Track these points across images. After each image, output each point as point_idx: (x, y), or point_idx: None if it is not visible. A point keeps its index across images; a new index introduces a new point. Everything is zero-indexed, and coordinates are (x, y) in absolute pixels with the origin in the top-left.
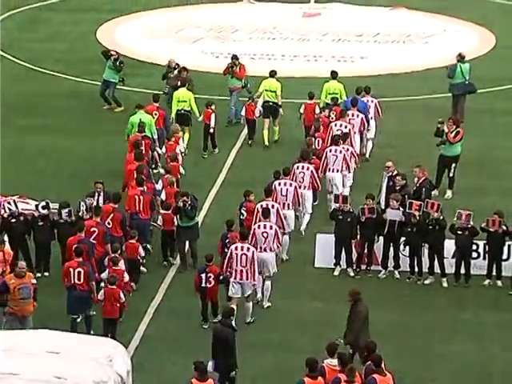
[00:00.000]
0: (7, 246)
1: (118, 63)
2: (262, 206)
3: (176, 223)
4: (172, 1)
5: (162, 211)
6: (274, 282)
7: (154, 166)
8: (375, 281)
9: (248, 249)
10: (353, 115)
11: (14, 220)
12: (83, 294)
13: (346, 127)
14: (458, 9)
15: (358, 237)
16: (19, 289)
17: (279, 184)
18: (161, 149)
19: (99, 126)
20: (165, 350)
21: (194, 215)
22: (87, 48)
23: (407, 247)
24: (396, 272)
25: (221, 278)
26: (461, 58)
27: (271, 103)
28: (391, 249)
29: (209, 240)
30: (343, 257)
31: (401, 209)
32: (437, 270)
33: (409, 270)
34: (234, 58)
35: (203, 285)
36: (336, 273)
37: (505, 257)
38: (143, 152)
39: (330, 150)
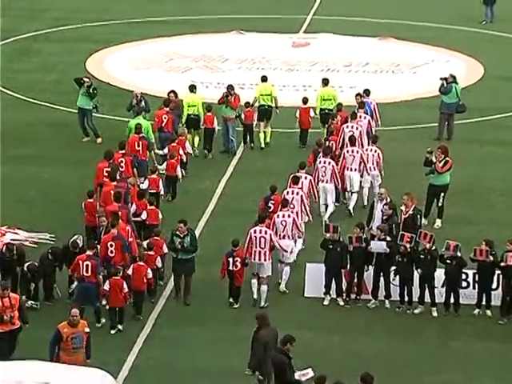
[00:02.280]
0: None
1: (91, 90)
2: (284, 195)
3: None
4: (162, 31)
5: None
6: (268, 305)
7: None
8: (365, 310)
9: (266, 232)
10: (360, 117)
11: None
12: (91, 286)
13: (357, 129)
14: (446, 39)
15: (348, 266)
16: (72, 338)
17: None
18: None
19: (88, 156)
20: (154, 380)
21: (195, 248)
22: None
23: (397, 276)
24: (386, 301)
25: (246, 261)
26: (453, 79)
27: (266, 106)
28: (381, 279)
29: (199, 269)
30: (333, 286)
31: (387, 238)
32: (427, 299)
33: (399, 299)
34: (230, 87)
35: (230, 268)
36: (326, 302)
37: (494, 286)
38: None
39: (348, 151)
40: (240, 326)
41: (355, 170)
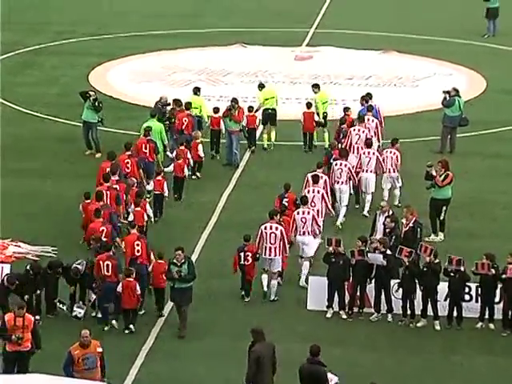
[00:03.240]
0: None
1: (96, 103)
2: (304, 193)
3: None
4: (164, 45)
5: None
6: (270, 318)
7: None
8: (367, 323)
9: (276, 228)
10: (368, 120)
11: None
12: (112, 286)
13: (363, 132)
14: (449, 52)
15: (350, 279)
16: (84, 359)
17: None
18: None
19: (90, 170)
20: None
21: (194, 276)
22: (79, 91)
23: (400, 289)
24: (389, 315)
25: (257, 256)
26: (456, 93)
27: (270, 110)
28: (382, 291)
29: (201, 282)
30: (336, 299)
31: (388, 252)
32: (430, 312)
33: (401, 312)
34: (234, 101)
35: (242, 262)
36: (329, 315)
37: (497, 299)
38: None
39: (364, 153)
40: (241, 339)
41: (371, 171)
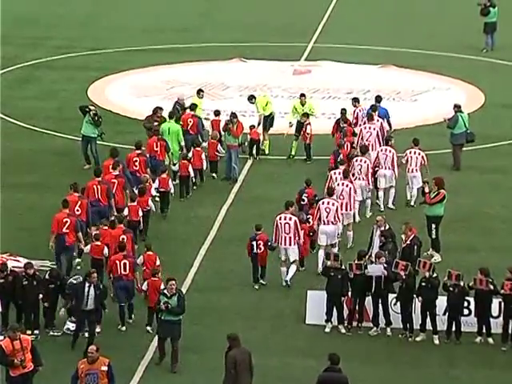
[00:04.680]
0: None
1: (96, 118)
2: (329, 187)
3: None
4: (163, 59)
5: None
6: (269, 332)
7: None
8: (366, 337)
9: (290, 218)
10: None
11: (1, 280)
12: (129, 284)
13: (374, 129)
14: (447, 66)
15: (349, 293)
16: (86, 375)
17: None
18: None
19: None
20: None
21: (183, 309)
22: (78, 106)
23: (398, 303)
24: (388, 329)
25: (269, 244)
26: (458, 109)
27: (269, 116)
28: (380, 306)
29: (200, 297)
30: (334, 313)
31: (384, 265)
32: (428, 326)
33: (401, 326)
34: (232, 115)
35: (254, 251)
36: (327, 329)
37: (495, 314)
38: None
39: (381, 150)
40: None
41: (388, 168)
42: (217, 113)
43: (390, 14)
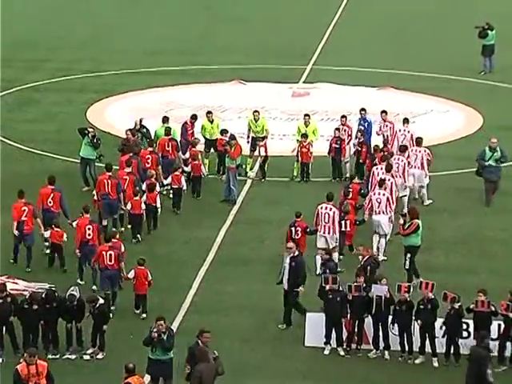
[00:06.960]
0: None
1: (95, 140)
2: (380, 178)
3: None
4: (162, 81)
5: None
6: (268, 355)
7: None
8: (365, 360)
9: (330, 208)
10: (386, 126)
11: (0, 301)
12: (114, 273)
13: (408, 132)
14: (445, 89)
15: (348, 315)
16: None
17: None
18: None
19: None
20: None
21: (172, 346)
22: (77, 128)
23: (396, 326)
24: (386, 353)
25: (307, 230)
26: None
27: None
28: (380, 328)
29: (198, 319)
30: (333, 336)
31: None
32: (428, 349)
33: (399, 349)
34: (231, 137)
35: (293, 236)
36: (326, 352)
37: (495, 336)
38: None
39: (412, 150)
40: (238, 376)
41: (418, 167)
42: (223, 132)
43: (388, 37)
